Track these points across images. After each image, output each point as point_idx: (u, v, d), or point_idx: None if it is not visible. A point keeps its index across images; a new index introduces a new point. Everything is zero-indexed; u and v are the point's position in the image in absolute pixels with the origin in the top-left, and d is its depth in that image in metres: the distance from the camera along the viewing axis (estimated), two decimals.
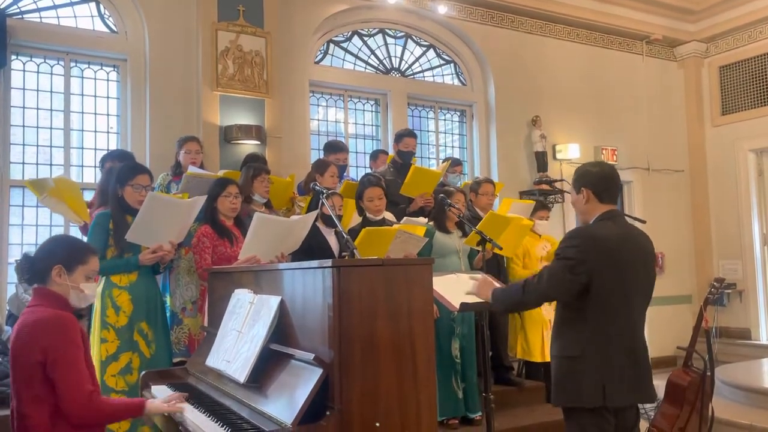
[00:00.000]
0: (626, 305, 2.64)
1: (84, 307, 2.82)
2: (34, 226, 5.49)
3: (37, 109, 5.60)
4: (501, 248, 4.09)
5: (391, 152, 5.75)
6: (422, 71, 7.56)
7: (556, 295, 2.71)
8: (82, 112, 5.79)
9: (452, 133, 7.84)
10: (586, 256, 2.58)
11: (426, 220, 4.71)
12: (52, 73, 5.68)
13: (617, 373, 2.58)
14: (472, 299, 2.99)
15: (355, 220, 4.57)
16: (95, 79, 5.85)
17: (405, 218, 4.66)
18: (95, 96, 5.84)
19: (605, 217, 2.71)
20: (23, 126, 5.53)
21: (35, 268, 2.39)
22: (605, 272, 2.59)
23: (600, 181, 2.74)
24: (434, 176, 5.18)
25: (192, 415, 2.41)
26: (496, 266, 4.89)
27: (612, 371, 2.57)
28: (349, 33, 7.17)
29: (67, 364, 2.22)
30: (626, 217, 2.96)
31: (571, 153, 7.84)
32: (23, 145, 5.53)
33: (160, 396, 2.72)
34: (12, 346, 2.29)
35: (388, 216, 4.61)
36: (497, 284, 2.99)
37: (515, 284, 2.81)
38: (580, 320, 2.64)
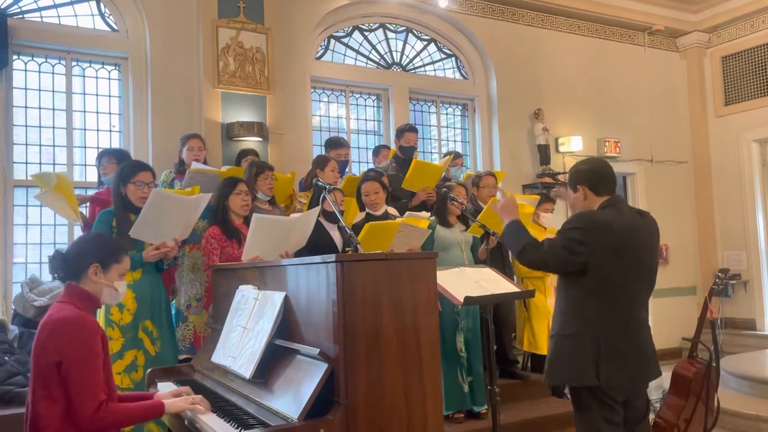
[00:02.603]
0: (625, 289, 2.67)
1: (115, 304, 2.81)
2: (38, 226, 5.50)
3: (40, 108, 5.61)
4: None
5: (393, 147, 5.74)
6: (423, 65, 7.54)
7: (551, 267, 2.79)
8: (84, 111, 5.80)
9: (454, 127, 7.83)
10: (588, 238, 2.63)
11: (428, 214, 4.71)
12: (53, 73, 5.68)
13: (611, 353, 2.61)
14: (476, 293, 3.00)
15: (359, 215, 4.57)
16: (97, 77, 5.86)
17: (407, 212, 4.66)
18: (97, 95, 5.85)
19: (608, 204, 2.76)
20: (26, 126, 5.54)
21: (70, 266, 2.39)
22: (604, 256, 2.63)
23: (593, 176, 2.80)
24: (436, 170, 5.18)
25: (199, 411, 2.41)
26: (500, 258, 4.89)
27: (605, 351, 2.60)
28: (350, 28, 7.16)
29: (81, 370, 2.19)
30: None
31: (573, 145, 7.83)
32: (26, 144, 5.54)
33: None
34: (34, 342, 2.30)
35: (391, 211, 4.61)
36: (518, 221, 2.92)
37: (521, 237, 2.81)
38: (576, 301, 2.69)
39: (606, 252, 2.63)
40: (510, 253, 5.24)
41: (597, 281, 2.64)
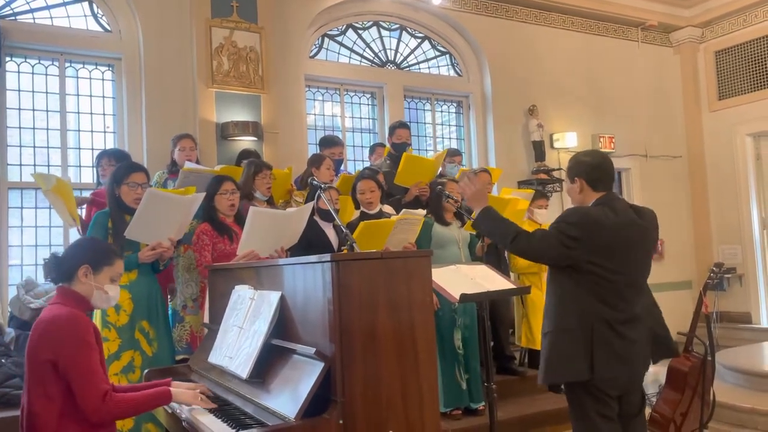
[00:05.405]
0: (618, 285, 2.66)
1: (106, 308, 2.82)
2: (33, 228, 5.49)
3: (33, 110, 5.60)
4: None
5: (388, 145, 5.75)
6: (418, 63, 7.54)
7: (542, 258, 2.76)
8: (78, 112, 5.78)
9: (449, 125, 7.83)
10: (581, 234, 2.62)
11: (425, 212, 4.71)
12: (47, 74, 5.67)
13: (602, 348, 2.60)
14: (472, 290, 3.00)
15: (355, 214, 4.58)
16: (90, 78, 5.84)
17: (403, 210, 4.66)
18: (91, 96, 5.83)
19: (601, 202, 2.75)
20: (20, 128, 5.53)
21: (62, 268, 2.42)
22: (598, 253, 2.62)
23: (593, 171, 2.78)
24: (429, 164, 5.17)
25: (196, 411, 2.42)
26: (496, 255, 4.89)
27: (597, 346, 2.60)
28: (344, 26, 7.15)
29: (80, 365, 2.21)
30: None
31: (568, 142, 7.85)
32: (20, 146, 5.53)
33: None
34: (28, 342, 2.30)
35: (386, 209, 4.61)
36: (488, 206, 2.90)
37: (507, 225, 2.80)
38: (569, 296, 2.68)
39: (599, 249, 2.63)
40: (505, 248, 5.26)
41: (590, 277, 2.63)
